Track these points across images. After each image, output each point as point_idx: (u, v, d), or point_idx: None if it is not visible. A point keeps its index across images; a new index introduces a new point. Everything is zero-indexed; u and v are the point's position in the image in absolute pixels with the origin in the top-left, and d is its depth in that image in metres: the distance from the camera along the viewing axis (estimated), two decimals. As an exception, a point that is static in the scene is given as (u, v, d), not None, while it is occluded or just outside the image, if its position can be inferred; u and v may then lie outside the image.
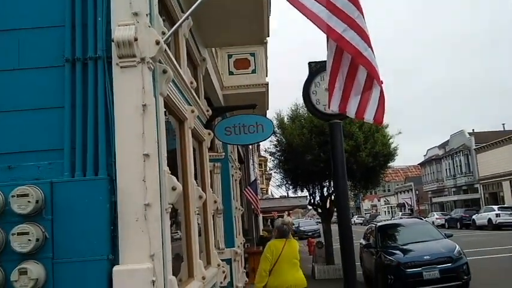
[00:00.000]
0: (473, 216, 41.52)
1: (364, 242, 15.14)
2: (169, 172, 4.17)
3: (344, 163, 8.41)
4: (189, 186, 5.52)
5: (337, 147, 8.42)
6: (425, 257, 11.72)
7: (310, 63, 8.93)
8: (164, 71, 4.20)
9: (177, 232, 6.18)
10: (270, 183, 51.95)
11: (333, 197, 16.93)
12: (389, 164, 16.48)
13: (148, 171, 3.64)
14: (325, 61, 9.10)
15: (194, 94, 6.05)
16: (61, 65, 3.87)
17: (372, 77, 4.39)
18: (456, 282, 11.44)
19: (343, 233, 7.39)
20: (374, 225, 14.95)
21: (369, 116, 4.50)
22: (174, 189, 4.06)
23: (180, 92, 5.35)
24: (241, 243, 13.41)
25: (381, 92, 4.42)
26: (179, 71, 5.25)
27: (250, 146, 28.48)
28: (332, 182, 16.48)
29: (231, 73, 11.24)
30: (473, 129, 59.05)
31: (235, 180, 13.85)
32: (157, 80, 4.13)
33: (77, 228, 3.53)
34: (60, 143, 3.74)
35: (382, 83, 4.43)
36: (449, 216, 48.09)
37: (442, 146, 64.61)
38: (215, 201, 7.13)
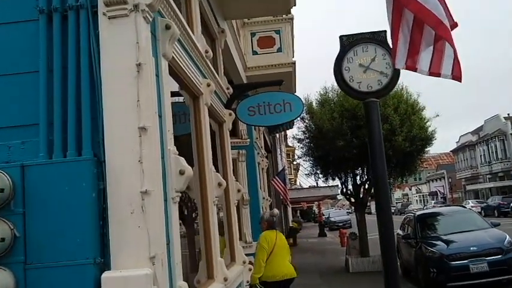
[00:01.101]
0: (512, 204, 39.81)
1: (401, 233, 14.12)
2: (177, 153, 3.34)
3: (382, 145, 7.59)
4: (206, 172, 4.71)
5: (374, 128, 7.59)
6: (471, 248, 10.67)
7: (341, 37, 8.07)
8: (167, 27, 3.36)
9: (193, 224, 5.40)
10: (299, 173, 51.11)
11: (366, 186, 15.95)
12: (426, 149, 15.34)
13: (146, 149, 2.82)
14: (357, 34, 8.17)
15: (210, 66, 5.22)
16: (34, 19, 3.06)
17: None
18: (508, 276, 10.36)
19: (383, 223, 6.62)
20: (412, 215, 13.90)
21: (446, 71, 3.61)
22: (182, 173, 3.23)
23: (193, 61, 4.52)
24: (269, 235, 12.62)
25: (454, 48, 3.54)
26: (191, 36, 4.42)
27: (277, 135, 27.59)
28: (366, 169, 15.50)
29: (254, 53, 10.39)
30: (508, 114, 56.82)
31: (262, 169, 13.03)
32: (158, 36, 3.30)
33: (56, 223, 2.74)
34: (35, 116, 2.95)
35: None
36: (485, 204, 46.27)
37: (476, 131, 62.43)
38: (239, 190, 6.31)
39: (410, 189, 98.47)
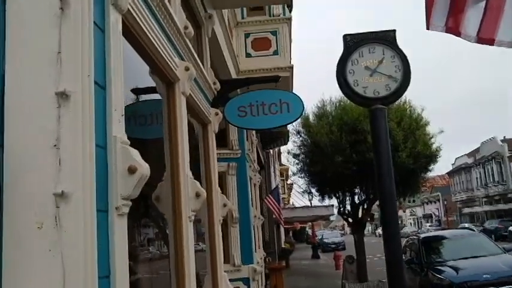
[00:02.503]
0: (510, 228, 38.79)
1: (403, 257, 13.04)
2: (128, 143, 2.29)
3: (390, 158, 6.67)
4: (181, 178, 3.65)
5: (381, 139, 6.69)
6: (484, 276, 9.61)
7: (345, 36, 7.23)
8: (119, -39, 2.35)
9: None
10: (292, 192, 50.01)
11: (365, 205, 14.91)
12: (430, 167, 14.37)
13: (68, 128, 1.79)
14: (363, 33, 7.23)
15: (191, 47, 4.20)
16: None
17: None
18: (526, 308, 9.31)
19: (390, 246, 5.70)
20: (416, 238, 12.85)
21: (504, 37, 2.60)
22: (132, 171, 2.17)
23: (165, 34, 3.50)
24: (261, 258, 11.50)
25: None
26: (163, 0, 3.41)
27: (271, 151, 26.58)
28: (365, 187, 14.49)
29: (248, 55, 9.41)
30: (504, 136, 56.12)
31: (254, 184, 11.97)
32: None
33: None
34: None
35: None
36: (482, 228, 45.23)
37: (472, 154, 61.67)
38: (225, 205, 5.24)
39: (404, 212, 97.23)
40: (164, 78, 3.71)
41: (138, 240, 3.96)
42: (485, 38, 2.94)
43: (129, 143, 2.29)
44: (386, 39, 7.07)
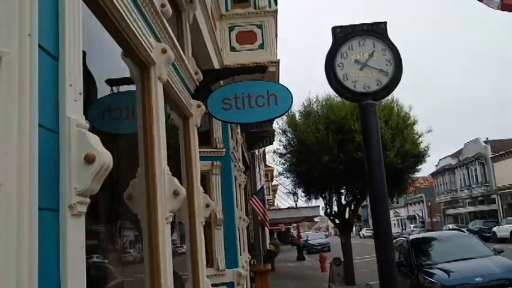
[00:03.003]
0: (494, 229, 38.93)
1: (392, 259, 12.71)
2: (87, 127, 1.86)
3: (381, 156, 6.37)
4: (157, 174, 3.22)
5: (371, 136, 6.36)
6: (476, 279, 9.29)
7: (334, 28, 6.92)
8: None
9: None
10: (277, 194, 49.69)
11: (352, 206, 14.57)
12: (418, 167, 14.07)
13: (-3, 100, 1.35)
14: (353, 25, 7.01)
15: (168, 28, 3.76)
16: None
17: None
18: (519, 312, 9.02)
19: (382, 247, 5.58)
20: (405, 239, 12.51)
21: None
22: (90, 160, 1.74)
23: (138, 9, 3.08)
24: (246, 261, 11.07)
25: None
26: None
27: (256, 152, 26.15)
28: (352, 188, 14.14)
29: (232, 49, 8.98)
30: (487, 138, 56.39)
31: (239, 184, 11.54)
32: None
33: None
34: None
35: None
36: (466, 229, 45.31)
37: (456, 155, 61.92)
38: (207, 205, 4.82)
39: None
40: (138, 61, 3.28)
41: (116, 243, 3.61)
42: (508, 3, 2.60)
43: (87, 127, 1.86)
44: (377, 31, 6.73)
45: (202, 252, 4.64)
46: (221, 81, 5.75)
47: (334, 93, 14.10)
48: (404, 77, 6.49)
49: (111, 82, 3.55)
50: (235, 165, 9.80)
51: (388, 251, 6.16)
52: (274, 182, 45.44)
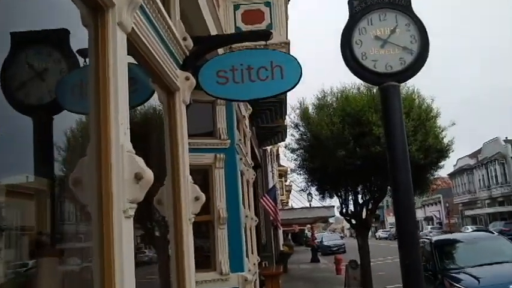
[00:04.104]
0: (516, 230, 37.60)
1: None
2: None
3: (406, 144, 5.50)
4: (112, 150, 2.36)
5: (394, 121, 5.51)
6: (510, 286, 8.31)
7: (351, 1, 6.04)
8: None
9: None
10: (291, 194, 48.77)
11: (370, 205, 13.60)
12: (441, 163, 13.05)
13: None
14: (374, -4, 6.05)
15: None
16: None
17: None
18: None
19: (406, 249, 5.06)
20: (427, 241, 11.52)
21: None
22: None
23: None
24: (254, 264, 10.18)
25: None
26: None
27: (268, 149, 25.20)
28: (369, 185, 13.18)
29: (238, 29, 8.11)
30: (506, 137, 54.79)
31: (247, 181, 10.64)
32: None
33: None
34: None
35: None
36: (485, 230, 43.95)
37: (474, 155, 60.39)
38: (197, 198, 3.94)
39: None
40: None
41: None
42: None
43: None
44: (400, 3, 5.91)
45: (190, 257, 3.77)
46: (220, 51, 4.88)
47: (351, 84, 13.34)
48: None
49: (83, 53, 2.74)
50: (241, 159, 8.91)
51: (414, 254, 5.44)
52: (288, 182, 44.56)
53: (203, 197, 3.91)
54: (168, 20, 3.70)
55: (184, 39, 4.14)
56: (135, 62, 3.63)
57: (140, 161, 2.45)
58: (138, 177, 2.39)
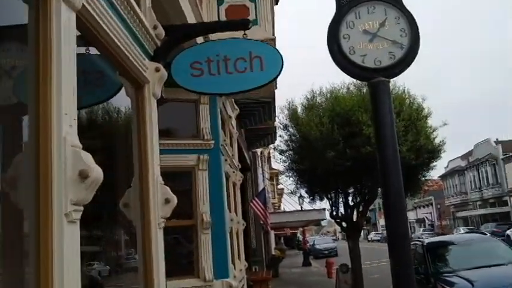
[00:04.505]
0: (508, 232, 37.47)
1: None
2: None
3: (396, 142, 5.19)
4: (53, 136, 2.02)
5: (384, 120, 5.20)
6: (506, 290, 8.03)
7: None
8: None
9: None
10: (283, 198, 48.44)
11: (361, 208, 13.31)
12: (433, 164, 12.78)
13: None
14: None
15: None
16: None
17: None
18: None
19: (397, 253, 4.64)
20: (420, 243, 11.22)
21: None
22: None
23: None
24: (241, 269, 9.83)
25: None
26: None
27: (258, 152, 24.86)
28: (360, 187, 12.89)
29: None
30: (497, 138, 54.80)
31: (234, 183, 10.31)
32: None
33: None
34: None
35: None
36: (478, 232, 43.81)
37: (465, 156, 60.39)
38: (167, 201, 3.59)
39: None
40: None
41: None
42: None
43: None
44: (389, -5, 5.59)
45: (160, 265, 3.42)
46: (200, 42, 4.53)
47: (340, 84, 13.09)
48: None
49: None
50: (226, 160, 8.57)
51: (405, 257, 5.10)
52: (280, 185, 44.24)
53: (174, 199, 3.56)
54: (134, 4, 3.37)
55: (155, 27, 3.81)
56: (99, 53, 3.31)
57: (87, 156, 2.11)
58: (83, 176, 2.05)
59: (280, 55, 3.96)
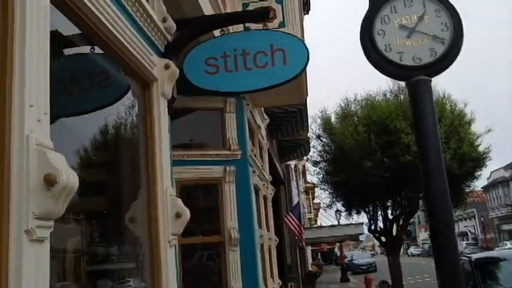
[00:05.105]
0: (561, 246, 35.60)
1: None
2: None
3: (440, 146, 4.49)
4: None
5: (426, 121, 4.53)
6: None
7: None
8: None
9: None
10: (320, 213, 47.56)
11: (401, 221, 12.58)
12: (478, 173, 11.97)
13: None
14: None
15: None
16: None
17: None
18: None
19: (445, 273, 3.88)
20: (466, 259, 10.40)
21: None
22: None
23: None
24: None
25: None
26: None
27: (292, 164, 24.29)
28: (400, 199, 12.18)
29: (246, 29, 7.36)
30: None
31: (265, 197, 9.79)
32: None
33: None
34: None
35: None
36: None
37: (509, 166, 58.14)
38: (178, 215, 3.12)
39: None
40: None
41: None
42: None
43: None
44: (428, -14, 5.07)
45: (169, 283, 2.95)
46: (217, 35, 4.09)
47: (376, 91, 12.50)
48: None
49: None
50: (254, 171, 8.07)
51: (454, 276, 4.49)
52: (316, 200, 43.46)
53: (186, 213, 3.09)
54: (144, 3, 2.98)
55: (164, 20, 3.39)
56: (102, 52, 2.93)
57: (58, 158, 1.67)
58: (50, 182, 1.60)
59: (306, 47, 3.49)
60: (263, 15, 3.53)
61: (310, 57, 3.57)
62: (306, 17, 13.34)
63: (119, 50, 2.82)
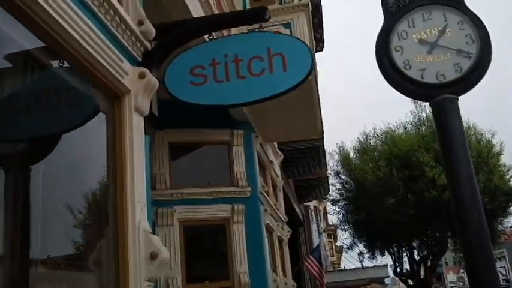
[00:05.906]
0: None
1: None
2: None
3: (473, 174, 3.71)
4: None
5: (455, 145, 3.77)
6: None
7: (385, 1, 4.57)
8: None
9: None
10: (343, 256, 46.10)
11: (429, 262, 11.66)
12: (511, 209, 11.10)
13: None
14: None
15: None
16: None
17: None
18: None
19: None
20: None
21: None
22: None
23: None
24: None
25: None
26: None
27: (311, 206, 23.41)
28: (427, 238, 11.31)
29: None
30: None
31: (278, 237, 9.05)
32: None
33: None
34: None
35: None
36: None
37: (538, 203, 56.14)
38: (154, 256, 2.45)
39: (465, 272, 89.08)
40: None
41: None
42: None
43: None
44: (449, -3, 4.54)
45: None
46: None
47: (396, 124, 11.86)
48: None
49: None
50: (266, 210, 7.39)
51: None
52: (339, 243, 42.18)
53: (164, 253, 2.46)
54: (113, 3, 2.46)
55: (140, 23, 2.86)
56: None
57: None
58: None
59: (309, 50, 2.91)
60: (258, 16, 2.98)
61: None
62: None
63: (76, 52, 2.29)
